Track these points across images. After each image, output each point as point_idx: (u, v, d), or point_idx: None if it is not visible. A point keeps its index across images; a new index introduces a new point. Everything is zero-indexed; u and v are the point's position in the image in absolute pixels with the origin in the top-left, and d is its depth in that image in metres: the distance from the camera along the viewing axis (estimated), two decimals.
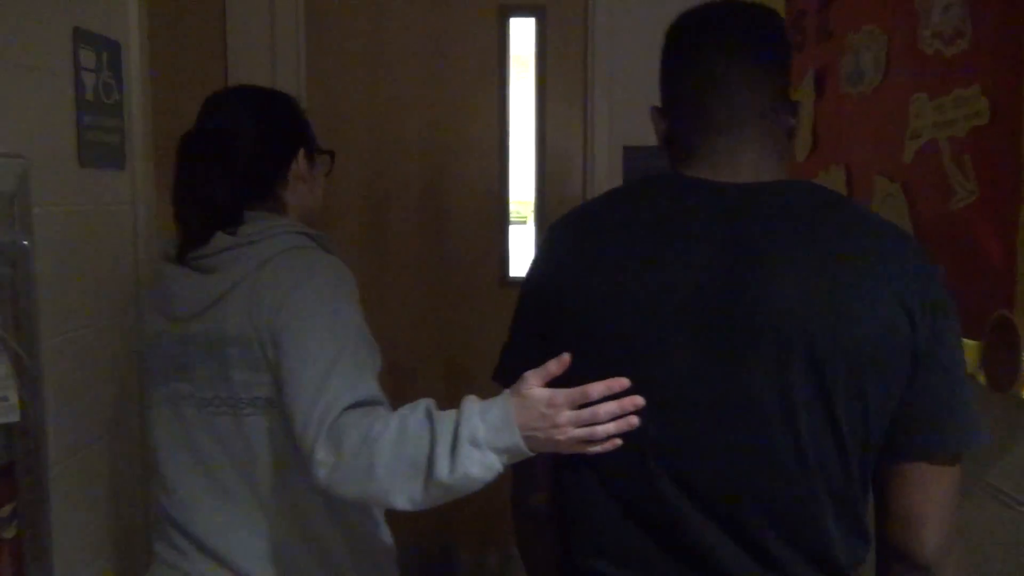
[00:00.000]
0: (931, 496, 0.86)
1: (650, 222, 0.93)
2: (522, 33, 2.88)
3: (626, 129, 2.74)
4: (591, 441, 0.94)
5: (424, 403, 1.07)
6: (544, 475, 1.04)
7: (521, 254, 2.98)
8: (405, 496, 1.01)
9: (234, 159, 1.22)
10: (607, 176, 2.79)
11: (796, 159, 2.12)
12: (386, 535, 1.32)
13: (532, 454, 1.00)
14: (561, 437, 0.95)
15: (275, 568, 1.19)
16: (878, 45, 1.67)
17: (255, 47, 2.65)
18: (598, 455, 0.94)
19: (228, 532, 1.20)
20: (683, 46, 1.00)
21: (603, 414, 0.92)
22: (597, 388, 0.92)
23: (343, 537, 1.23)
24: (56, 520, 1.39)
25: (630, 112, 2.72)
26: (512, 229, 2.95)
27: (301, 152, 1.32)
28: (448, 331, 2.78)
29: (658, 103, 1.05)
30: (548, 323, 0.97)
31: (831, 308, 0.84)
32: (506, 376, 1.04)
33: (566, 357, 0.95)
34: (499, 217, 2.89)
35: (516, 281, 2.89)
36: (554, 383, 0.98)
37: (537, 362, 0.98)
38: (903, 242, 0.92)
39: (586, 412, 0.94)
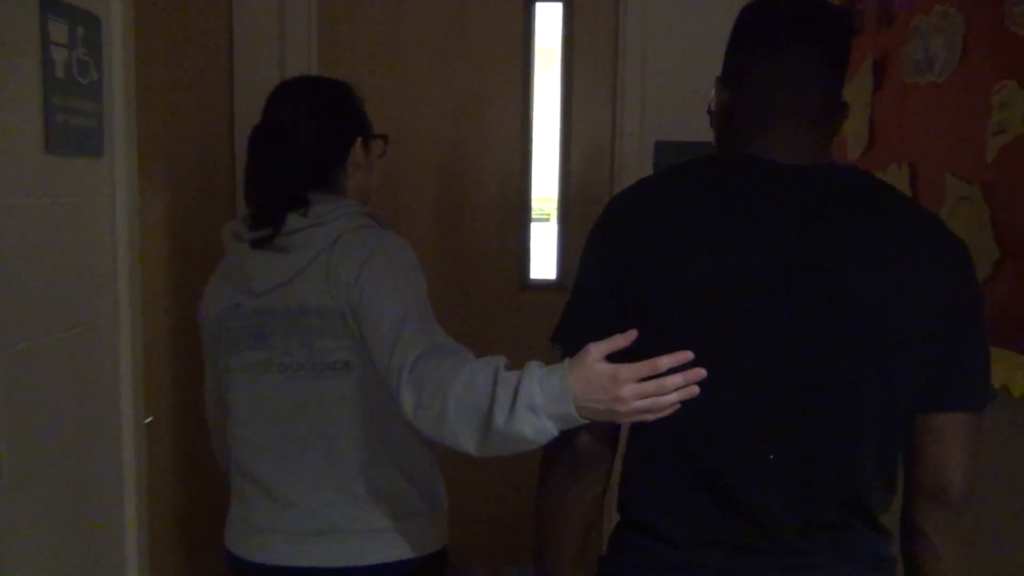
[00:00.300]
0: (962, 444, 0.98)
1: (727, 199, 0.99)
2: (548, 20, 2.69)
3: (658, 124, 2.55)
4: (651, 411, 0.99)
5: (495, 362, 1.13)
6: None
7: (543, 254, 2.81)
8: (472, 442, 1.11)
9: (298, 149, 1.33)
10: (637, 173, 2.59)
11: (848, 156, 1.92)
12: (442, 494, 1.42)
13: (585, 422, 1.03)
14: (623, 408, 0.98)
15: (342, 511, 1.30)
16: (953, 28, 1.47)
17: (263, 37, 2.49)
18: (688, 414, 0.98)
19: (296, 479, 1.31)
20: (759, 28, 1.04)
21: (669, 386, 0.96)
22: (664, 361, 0.95)
23: (409, 490, 1.34)
24: (8, 551, 1.22)
25: (663, 106, 2.53)
26: (534, 227, 2.76)
27: (359, 140, 1.41)
28: (461, 340, 2.60)
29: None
30: (623, 289, 1.00)
31: (896, 288, 0.94)
32: (568, 338, 1.06)
33: (633, 332, 0.98)
34: (520, 215, 2.71)
35: (538, 284, 2.72)
36: (629, 349, 0.99)
37: (604, 326, 1.00)
38: (944, 227, 1.01)
39: (651, 385, 0.97)
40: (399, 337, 1.20)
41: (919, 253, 0.96)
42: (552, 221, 2.90)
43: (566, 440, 1.05)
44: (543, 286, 2.72)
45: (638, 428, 1.03)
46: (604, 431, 1.05)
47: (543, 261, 2.82)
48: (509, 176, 2.69)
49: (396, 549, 1.32)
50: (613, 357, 0.99)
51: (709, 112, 1.14)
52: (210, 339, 1.40)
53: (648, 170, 2.60)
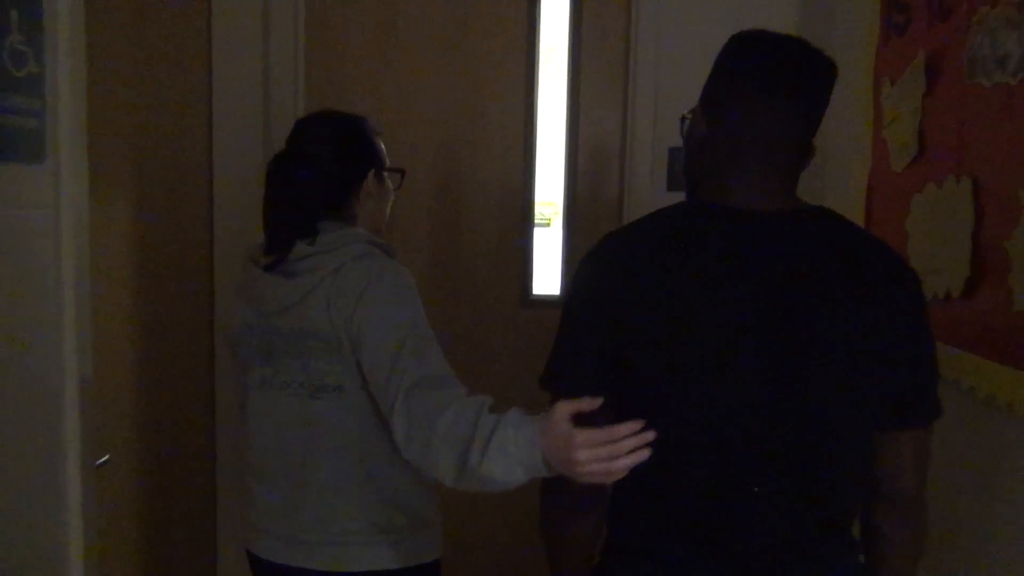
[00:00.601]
0: (916, 454, 1.11)
1: (707, 253, 1.04)
2: (554, 16, 2.50)
3: (672, 129, 2.34)
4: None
5: (480, 402, 1.19)
6: None
7: (546, 266, 2.61)
8: (449, 476, 1.18)
9: (311, 180, 1.42)
10: (649, 180, 2.40)
11: (892, 167, 1.72)
12: (432, 511, 1.47)
13: (551, 475, 1.09)
14: (578, 470, 1.03)
15: (333, 519, 1.39)
16: None
17: (245, 28, 2.28)
18: (674, 452, 1.04)
19: (294, 487, 1.40)
20: (747, 68, 1.07)
21: (620, 451, 1.00)
22: (621, 430, 1.00)
23: (392, 508, 1.40)
24: None
25: (678, 110, 2.33)
26: (535, 232, 2.57)
27: (371, 173, 1.49)
28: (458, 363, 2.39)
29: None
30: (608, 338, 1.05)
31: (862, 325, 1.03)
32: (555, 383, 1.11)
33: (598, 400, 1.02)
34: (522, 225, 2.50)
35: (541, 300, 2.51)
36: (614, 396, 1.05)
37: (590, 374, 1.07)
38: (900, 262, 1.10)
39: (604, 451, 1.01)
40: (394, 367, 1.27)
41: (881, 290, 1.04)
42: (553, 227, 2.71)
43: (562, 479, 1.07)
44: (546, 302, 2.52)
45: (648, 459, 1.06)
46: None
47: (546, 274, 2.62)
48: (511, 183, 2.49)
49: (381, 559, 1.39)
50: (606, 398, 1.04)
51: (684, 135, 1.17)
52: (231, 354, 1.51)
53: (662, 178, 2.41)
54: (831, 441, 1.06)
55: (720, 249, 1.04)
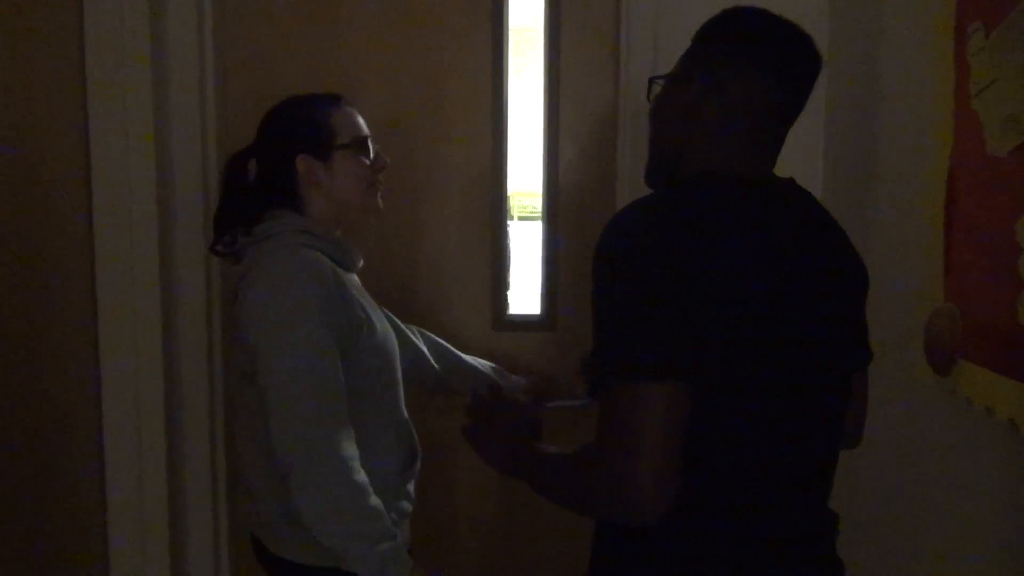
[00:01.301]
0: (865, 394, 1.24)
1: (764, 218, 1.03)
2: None
3: None
4: None
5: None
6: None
7: (524, 276, 2.14)
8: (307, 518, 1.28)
9: (242, 169, 1.46)
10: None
11: (988, 150, 1.23)
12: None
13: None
14: None
15: (258, 514, 1.43)
16: None
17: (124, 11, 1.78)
18: (758, 433, 1.01)
19: (246, 470, 1.45)
20: (756, 39, 1.08)
21: None
22: None
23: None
24: None
25: None
26: (522, 227, 2.08)
27: (302, 157, 1.41)
28: (413, 405, 1.90)
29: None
30: (701, 310, 0.94)
31: (851, 278, 1.14)
32: (649, 362, 0.93)
33: None
34: (493, 228, 2.01)
35: (518, 321, 2.03)
36: (731, 372, 0.98)
37: (681, 352, 0.93)
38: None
39: None
40: (270, 418, 1.28)
41: (849, 246, 1.15)
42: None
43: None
44: (526, 323, 2.04)
45: (728, 443, 1.00)
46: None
47: (524, 287, 2.14)
48: (477, 175, 2.00)
49: (291, 551, 1.38)
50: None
51: (657, 100, 1.16)
52: None
53: None
54: (842, 399, 1.13)
55: (768, 219, 1.04)
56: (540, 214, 2.11)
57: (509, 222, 2.10)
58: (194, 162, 1.85)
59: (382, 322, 1.46)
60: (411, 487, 1.51)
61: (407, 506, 1.48)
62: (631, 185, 1.90)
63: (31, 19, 1.77)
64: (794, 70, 1.07)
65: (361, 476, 1.28)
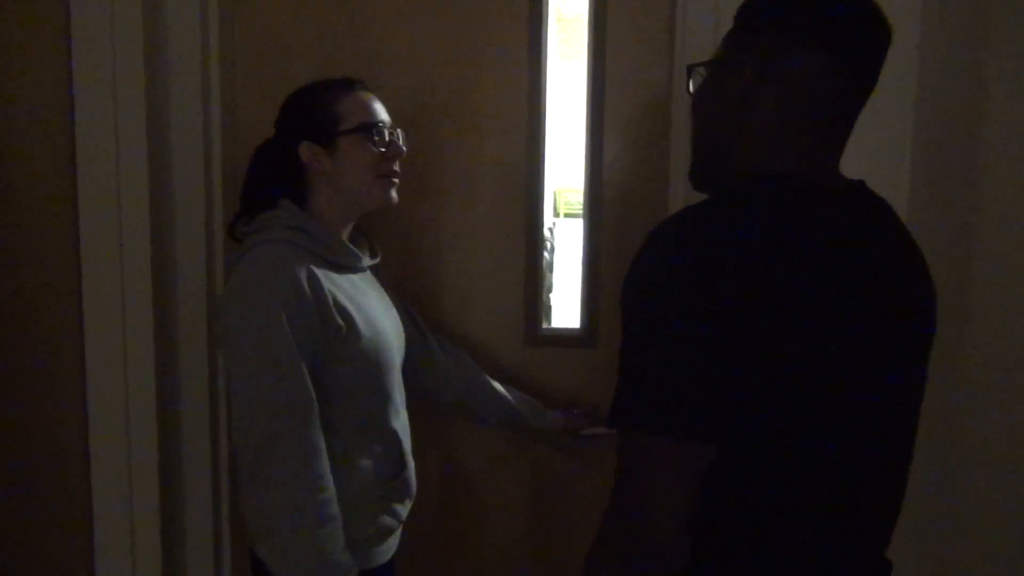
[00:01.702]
0: None
1: (833, 234, 0.88)
2: None
3: None
4: None
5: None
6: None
7: (570, 272, 1.92)
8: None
9: (254, 159, 1.44)
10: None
11: None
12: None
13: None
14: None
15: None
16: None
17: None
18: (801, 480, 0.88)
19: None
20: (810, 24, 0.92)
21: None
22: None
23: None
24: None
25: None
26: (566, 224, 1.86)
27: (304, 144, 1.36)
28: (436, 428, 1.68)
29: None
30: (748, 346, 0.81)
31: (931, 325, 0.99)
32: (678, 419, 0.83)
33: None
34: (527, 230, 1.79)
35: (554, 336, 1.81)
36: (767, 381, 0.83)
37: (718, 393, 0.82)
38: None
39: None
40: (235, 433, 1.24)
41: (926, 274, 0.98)
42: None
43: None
44: (563, 338, 1.81)
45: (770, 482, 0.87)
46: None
47: (563, 298, 1.92)
48: (512, 171, 1.78)
49: (261, 553, 1.27)
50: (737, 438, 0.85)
51: (700, 91, 1.01)
52: None
53: None
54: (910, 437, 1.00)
55: (839, 236, 0.88)
56: (579, 211, 1.88)
57: (554, 220, 1.88)
58: (194, 157, 1.66)
59: (374, 328, 1.35)
60: (400, 504, 1.43)
61: (390, 522, 1.41)
62: (686, 184, 1.66)
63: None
64: (855, 44, 0.92)
65: (319, 497, 1.23)
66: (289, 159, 1.37)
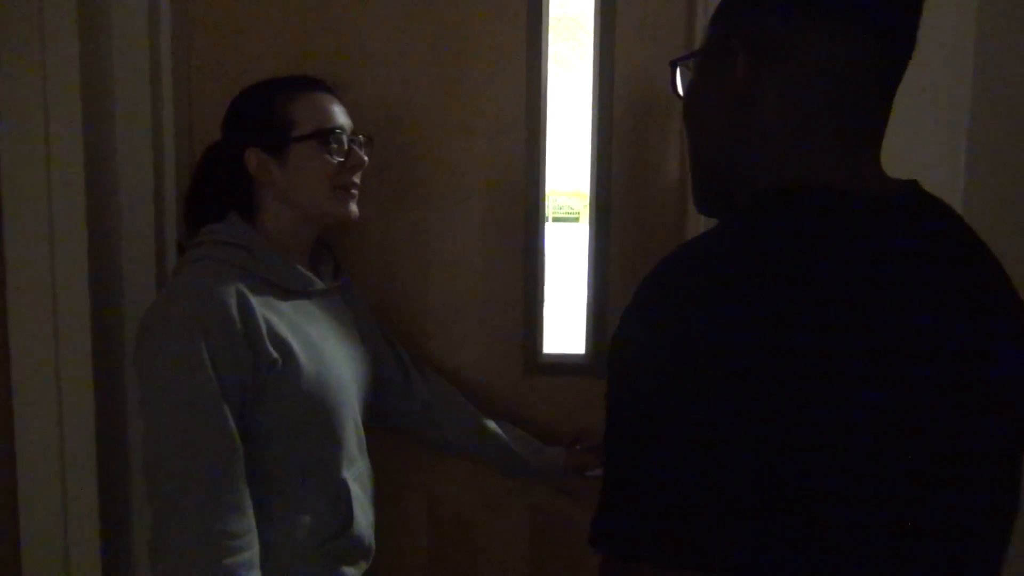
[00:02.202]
0: None
1: (839, 258, 0.64)
2: None
3: None
4: None
5: None
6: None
7: (570, 280, 1.70)
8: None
9: (197, 167, 1.30)
10: None
11: None
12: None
13: None
14: None
15: None
16: None
17: None
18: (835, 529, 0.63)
19: None
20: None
21: None
22: None
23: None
24: None
25: None
26: (557, 230, 1.63)
27: (251, 151, 1.20)
28: (421, 466, 1.44)
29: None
30: (753, 402, 0.59)
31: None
32: (667, 544, 0.61)
33: None
34: (526, 246, 1.58)
35: (556, 363, 1.60)
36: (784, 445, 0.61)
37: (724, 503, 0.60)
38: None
39: None
40: (144, 468, 1.08)
41: (1010, 291, 0.73)
42: (584, 222, 1.83)
43: None
44: (564, 367, 1.60)
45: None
46: None
47: (564, 319, 1.70)
48: (507, 176, 1.57)
49: None
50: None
51: (689, 90, 0.81)
52: None
53: None
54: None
55: (875, 259, 0.65)
56: (576, 216, 1.68)
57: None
58: (142, 159, 1.44)
59: (321, 362, 1.16)
60: (351, 567, 1.24)
61: None
62: None
63: None
64: (873, 11, 0.70)
65: (227, 562, 1.04)
66: (235, 166, 1.22)
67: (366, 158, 1.26)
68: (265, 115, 1.21)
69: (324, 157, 1.20)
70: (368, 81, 1.51)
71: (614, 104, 1.54)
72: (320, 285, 1.26)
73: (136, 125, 1.43)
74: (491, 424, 1.46)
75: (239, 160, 1.21)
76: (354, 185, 1.25)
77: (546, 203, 1.60)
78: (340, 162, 1.22)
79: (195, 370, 1.05)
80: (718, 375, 0.60)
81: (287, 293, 1.19)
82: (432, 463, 1.59)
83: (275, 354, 1.11)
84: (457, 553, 1.62)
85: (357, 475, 1.25)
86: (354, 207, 1.25)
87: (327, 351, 1.20)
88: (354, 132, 1.26)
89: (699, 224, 1.47)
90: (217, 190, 1.25)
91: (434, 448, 1.49)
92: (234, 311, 1.08)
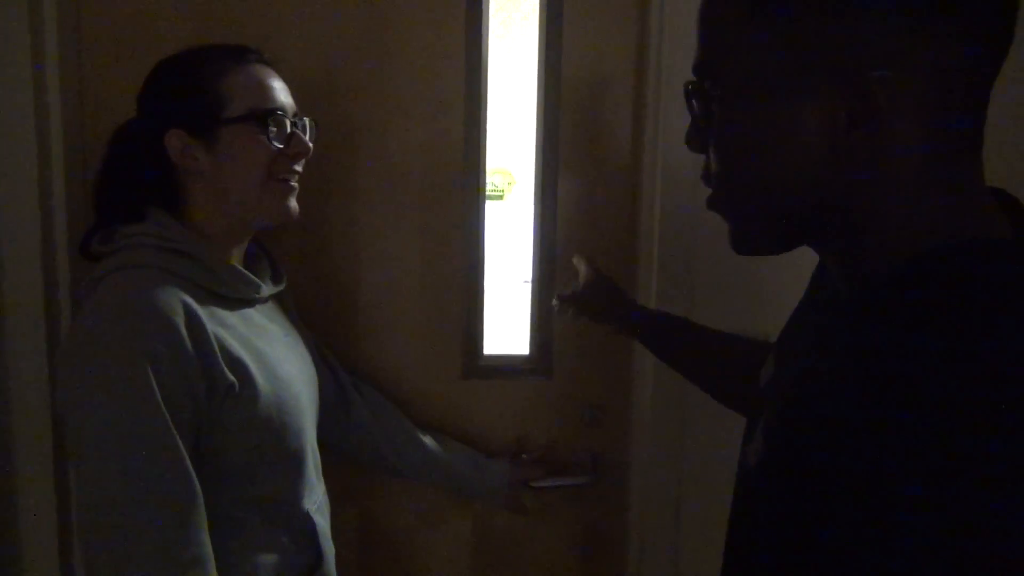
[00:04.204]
0: None
1: None
2: None
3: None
4: None
5: None
6: None
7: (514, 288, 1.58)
8: None
9: (109, 152, 1.09)
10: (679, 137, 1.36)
11: None
12: None
13: None
14: None
15: None
16: None
17: None
18: None
19: None
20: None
21: None
22: None
23: None
24: None
25: None
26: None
27: (173, 133, 1.02)
28: (350, 479, 1.29)
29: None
30: None
31: None
32: None
33: None
34: (462, 241, 1.44)
35: (498, 365, 1.48)
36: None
37: None
38: None
39: None
40: (78, 531, 1.04)
41: None
42: (509, 199, 1.72)
43: None
44: (508, 369, 1.48)
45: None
46: None
47: (506, 319, 1.59)
48: (443, 159, 1.43)
49: None
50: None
51: (749, 133, 0.60)
52: None
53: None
54: None
55: None
56: (501, 194, 1.56)
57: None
58: (23, 146, 1.25)
59: (277, 380, 1.02)
60: None
61: None
62: (664, 170, 1.35)
63: None
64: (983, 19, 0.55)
65: None
66: (155, 151, 1.04)
67: (311, 145, 1.08)
68: (191, 90, 1.03)
69: (261, 141, 1.03)
70: (290, 58, 1.34)
71: (562, 83, 1.41)
72: (269, 289, 1.10)
73: (10, 92, 1.23)
74: (433, 444, 1.34)
75: (159, 144, 1.03)
76: (295, 176, 1.08)
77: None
78: (280, 149, 1.04)
79: (142, 403, 0.88)
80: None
81: (231, 303, 1.03)
82: (363, 474, 1.44)
83: (231, 377, 0.96)
84: (392, 574, 1.49)
85: (319, 505, 1.12)
86: (294, 203, 1.08)
87: (281, 368, 1.05)
88: (296, 114, 1.08)
89: (653, 218, 1.36)
90: (133, 180, 1.06)
91: (370, 468, 1.35)
92: (183, 329, 0.92)
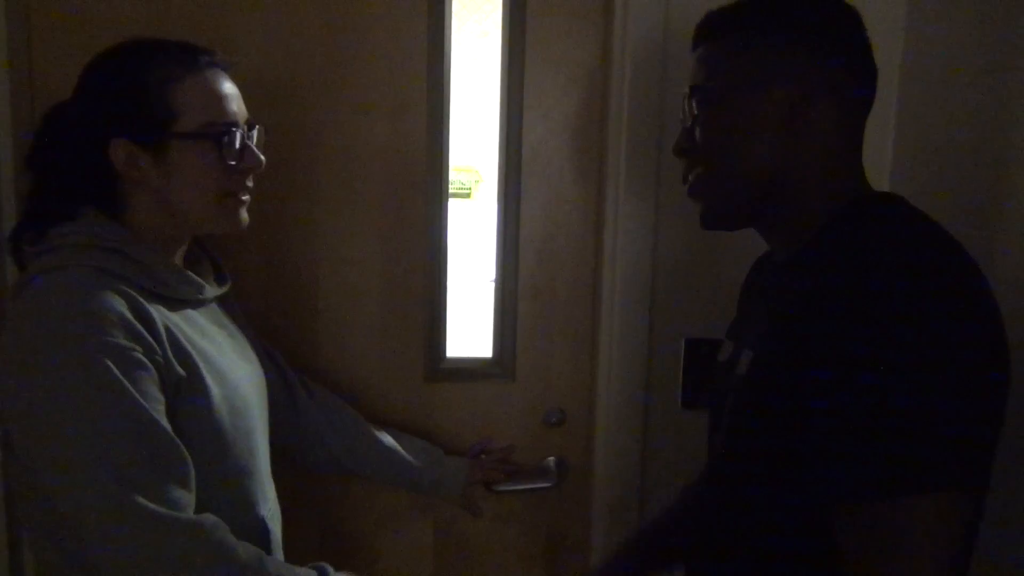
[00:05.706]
0: None
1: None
2: None
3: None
4: None
5: None
6: None
7: (467, 263, 1.57)
8: None
9: (37, 144, 1.02)
10: (654, 137, 1.34)
11: None
12: None
13: None
14: None
15: None
16: None
17: None
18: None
19: None
20: (843, 20, 0.86)
21: None
22: None
23: None
24: None
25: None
26: (449, 206, 1.52)
27: (118, 143, 0.96)
28: (305, 482, 1.26)
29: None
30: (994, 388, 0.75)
31: None
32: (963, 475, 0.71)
33: None
34: (424, 243, 1.42)
35: (461, 367, 1.46)
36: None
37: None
38: None
39: None
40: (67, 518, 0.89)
41: None
42: (477, 198, 1.86)
43: None
44: (470, 371, 1.46)
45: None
46: None
47: (469, 319, 1.58)
48: (404, 159, 1.40)
49: None
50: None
51: (723, 121, 0.86)
52: None
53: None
54: None
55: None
56: (468, 192, 1.56)
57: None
58: None
59: (226, 382, 0.99)
60: None
61: None
62: (628, 172, 1.34)
63: None
64: (862, 43, 0.86)
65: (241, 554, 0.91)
66: (96, 158, 0.97)
67: (263, 157, 1.03)
68: (138, 98, 0.96)
69: (212, 159, 0.98)
70: (247, 55, 1.31)
71: (524, 79, 1.40)
72: (212, 291, 1.06)
73: None
74: (388, 441, 1.31)
75: (102, 152, 0.96)
76: (247, 191, 1.04)
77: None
78: (231, 165, 0.99)
79: (116, 395, 0.85)
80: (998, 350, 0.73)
81: (172, 304, 0.98)
82: (320, 477, 1.42)
83: (180, 370, 0.92)
84: None
85: (271, 512, 1.08)
86: (244, 214, 1.04)
87: (230, 370, 1.01)
88: (248, 122, 1.03)
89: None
90: (70, 184, 0.99)
91: (323, 470, 1.32)
92: (128, 313, 0.88)
